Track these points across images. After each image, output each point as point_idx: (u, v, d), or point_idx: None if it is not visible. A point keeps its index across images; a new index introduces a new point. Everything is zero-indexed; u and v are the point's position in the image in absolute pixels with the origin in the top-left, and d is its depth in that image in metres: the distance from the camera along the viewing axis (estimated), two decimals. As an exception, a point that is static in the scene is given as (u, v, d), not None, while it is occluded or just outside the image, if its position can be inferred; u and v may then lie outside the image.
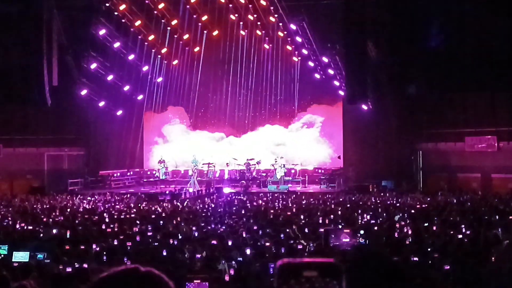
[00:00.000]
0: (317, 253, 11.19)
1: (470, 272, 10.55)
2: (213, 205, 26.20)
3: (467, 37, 32.55)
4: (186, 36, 40.37)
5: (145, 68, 39.61)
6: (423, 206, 23.87)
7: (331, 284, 1.61)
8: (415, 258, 12.04)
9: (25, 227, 17.88)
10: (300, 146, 41.09)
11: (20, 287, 7.12)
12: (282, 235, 15.29)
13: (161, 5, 36.85)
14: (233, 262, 11.33)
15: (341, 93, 38.83)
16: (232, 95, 42.03)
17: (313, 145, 41.35)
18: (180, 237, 15.26)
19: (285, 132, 42.16)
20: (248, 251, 12.75)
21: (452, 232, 15.68)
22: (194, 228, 16.89)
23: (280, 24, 38.38)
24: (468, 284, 9.87)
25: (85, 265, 10.72)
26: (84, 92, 35.29)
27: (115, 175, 38.43)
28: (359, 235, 3.79)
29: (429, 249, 12.90)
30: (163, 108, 42.46)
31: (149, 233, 16.10)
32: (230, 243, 13.78)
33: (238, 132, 42.52)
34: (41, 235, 15.72)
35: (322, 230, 12.47)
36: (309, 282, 1.61)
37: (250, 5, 38.91)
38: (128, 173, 39.50)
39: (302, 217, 20.04)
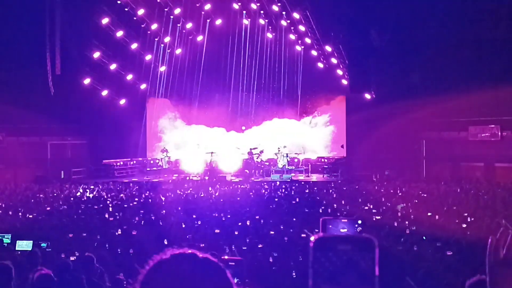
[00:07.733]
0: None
1: (473, 262, 10.57)
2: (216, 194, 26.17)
3: (469, 27, 32.44)
4: (189, 25, 40.27)
5: (148, 57, 39.52)
6: (426, 195, 23.88)
7: (366, 257, 1.66)
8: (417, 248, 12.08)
9: (28, 216, 17.94)
10: (306, 137, 41.08)
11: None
12: (282, 226, 15.34)
13: (164, -6, 36.79)
14: (235, 251, 11.36)
15: (345, 82, 38.79)
16: (235, 86, 41.89)
17: (317, 135, 41.36)
18: (183, 226, 15.31)
19: (292, 124, 42.00)
20: (249, 240, 12.79)
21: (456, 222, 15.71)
22: (194, 217, 16.93)
23: (284, 13, 38.29)
24: (471, 274, 9.88)
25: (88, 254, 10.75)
26: (87, 81, 35.28)
27: (118, 164, 38.40)
28: (356, 225, 3.78)
29: (431, 239, 12.93)
30: (163, 96, 42.34)
31: (151, 222, 16.15)
32: (236, 232, 13.82)
33: (241, 127, 42.26)
34: (44, 224, 15.76)
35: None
36: (344, 255, 1.67)
37: (254, -6, 38.89)
38: (131, 162, 39.49)
39: (304, 205, 20.10)
